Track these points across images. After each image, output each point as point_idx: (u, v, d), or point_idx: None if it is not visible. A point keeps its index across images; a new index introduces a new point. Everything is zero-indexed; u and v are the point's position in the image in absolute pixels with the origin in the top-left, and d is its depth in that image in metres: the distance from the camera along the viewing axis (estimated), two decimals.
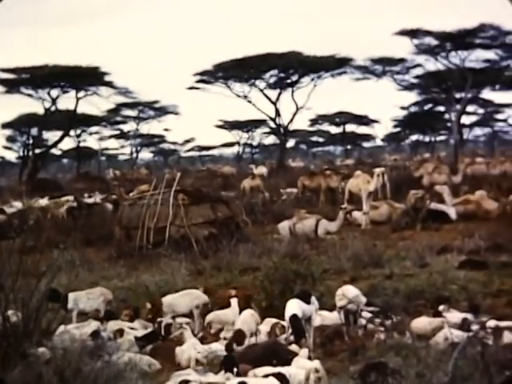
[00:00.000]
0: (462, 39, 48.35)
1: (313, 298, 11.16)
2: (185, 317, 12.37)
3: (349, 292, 11.49)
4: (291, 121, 54.38)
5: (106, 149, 76.58)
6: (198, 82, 54.91)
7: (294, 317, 10.45)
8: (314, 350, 10.32)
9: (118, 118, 68.34)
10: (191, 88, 55.57)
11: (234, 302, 12.04)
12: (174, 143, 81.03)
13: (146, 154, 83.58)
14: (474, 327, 10.03)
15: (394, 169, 37.97)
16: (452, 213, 23.63)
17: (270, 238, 20.71)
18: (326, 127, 78.13)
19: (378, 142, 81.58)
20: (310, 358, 9.24)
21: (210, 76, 54.39)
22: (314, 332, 11.03)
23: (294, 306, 10.63)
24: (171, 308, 12.15)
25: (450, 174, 31.88)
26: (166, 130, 72.89)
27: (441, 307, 11.66)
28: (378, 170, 25.70)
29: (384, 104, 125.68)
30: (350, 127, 75.63)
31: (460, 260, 16.20)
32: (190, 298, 12.33)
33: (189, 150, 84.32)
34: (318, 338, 11.10)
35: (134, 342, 11.00)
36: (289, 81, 54.30)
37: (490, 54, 50.55)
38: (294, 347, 9.99)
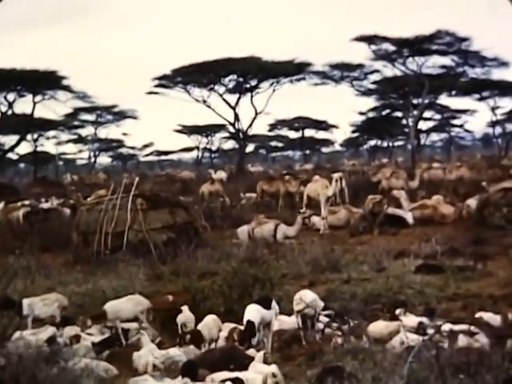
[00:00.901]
0: (418, 45, 48.95)
1: (273, 303, 11.19)
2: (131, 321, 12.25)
3: (306, 296, 11.53)
4: (250, 126, 54.55)
5: (64, 153, 76.12)
6: (156, 86, 54.82)
7: (248, 323, 10.49)
8: (271, 355, 10.32)
9: (76, 123, 67.94)
10: (150, 93, 55.46)
11: (185, 308, 12.05)
12: (132, 148, 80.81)
13: (104, 159, 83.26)
14: (430, 331, 10.11)
15: (352, 174, 38.26)
16: (409, 217, 23.85)
17: (229, 242, 20.73)
18: (284, 132, 78.59)
19: (337, 147, 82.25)
20: (267, 363, 9.24)
21: (168, 81, 54.30)
22: (272, 336, 11.06)
23: (251, 312, 10.66)
24: (115, 314, 12.01)
25: (408, 179, 32.22)
26: (124, 134, 72.66)
27: (397, 311, 11.74)
28: (336, 175, 25.84)
29: (342, 109, 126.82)
30: (309, 132, 76.15)
31: (417, 264, 16.34)
32: (134, 304, 12.21)
33: (147, 155, 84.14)
34: (276, 343, 11.13)
35: (90, 348, 10.91)
36: (248, 86, 54.42)
37: (447, 60, 51.37)
38: (251, 352, 9.99)
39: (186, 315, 11.91)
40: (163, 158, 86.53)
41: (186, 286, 13.84)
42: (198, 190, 32.54)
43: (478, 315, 11.51)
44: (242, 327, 10.88)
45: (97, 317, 12.13)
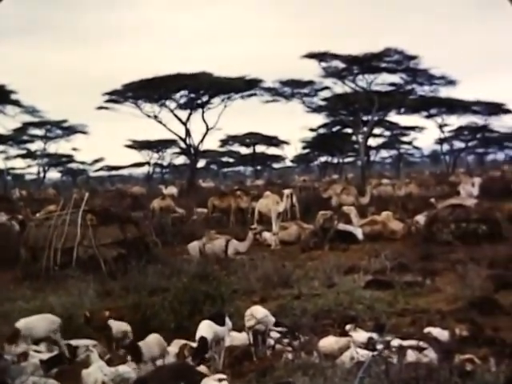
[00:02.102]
0: (368, 63, 49.51)
1: (227, 319, 11.20)
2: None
3: (257, 312, 11.55)
4: (201, 141, 54.49)
5: (13, 168, 74.92)
6: (107, 101, 54.45)
7: (201, 339, 10.47)
8: (222, 371, 10.31)
9: (25, 137, 67.14)
10: (100, 108, 55.05)
11: (111, 321, 12.11)
12: (82, 163, 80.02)
13: (53, 174, 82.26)
14: (379, 346, 10.20)
15: (303, 190, 38.41)
16: (359, 233, 24.06)
17: (180, 258, 20.63)
18: (236, 148, 78.63)
19: (288, 163, 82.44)
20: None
21: (119, 96, 53.97)
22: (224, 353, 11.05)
23: (205, 328, 10.66)
24: (29, 331, 11.81)
25: (358, 195, 32.48)
26: (74, 149, 71.93)
27: (347, 327, 11.81)
28: (287, 191, 25.97)
29: (293, 125, 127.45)
30: (260, 148, 76.27)
31: (366, 280, 16.47)
32: (47, 323, 12.07)
33: (98, 170, 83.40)
34: (227, 359, 11.11)
35: (38, 365, 10.76)
36: (199, 101, 54.39)
37: (396, 78, 51.99)
38: (202, 368, 9.96)
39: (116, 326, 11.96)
40: (114, 173, 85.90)
41: (136, 302, 13.75)
42: (149, 206, 32.39)
43: (426, 330, 11.65)
44: (192, 344, 10.85)
45: (11, 336, 11.82)
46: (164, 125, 53.77)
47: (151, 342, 11.14)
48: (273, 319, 11.82)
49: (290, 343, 11.38)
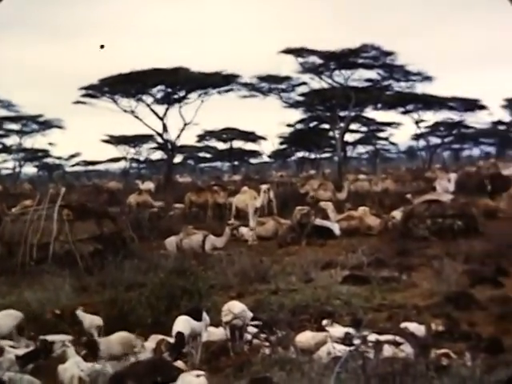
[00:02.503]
0: (345, 59, 49.59)
1: (204, 315, 11.19)
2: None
3: (235, 307, 11.55)
4: (178, 136, 54.27)
5: None
6: (83, 96, 54.10)
7: (178, 334, 10.46)
8: (199, 366, 10.30)
9: (1, 132, 66.58)
10: (77, 102, 54.71)
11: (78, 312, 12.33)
12: (58, 158, 79.42)
13: (29, 169, 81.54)
14: (356, 341, 10.23)
15: (280, 185, 38.43)
16: (336, 229, 24.12)
17: (157, 253, 20.57)
18: (213, 143, 78.38)
19: (265, 159, 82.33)
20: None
21: (96, 90, 53.63)
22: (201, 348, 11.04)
23: (182, 323, 10.64)
24: None
25: (335, 191, 32.55)
26: (50, 144, 71.41)
27: (324, 322, 11.85)
28: (264, 187, 26.01)
29: (270, 121, 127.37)
30: (237, 143, 76.12)
31: (343, 275, 16.53)
32: (11, 319, 12.04)
33: (74, 165, 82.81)
34: (204, 354, 11.10)
35: (14, 361, 10.69)
36: (176, 96, 54.17)
37: (372, 74, 52.11)
38: (179, 363, 9.94)
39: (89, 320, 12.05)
40: (90, 168, 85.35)
41: (113, 297, 13.70)
42: (126, 201, 32.28)
43: (402, 325, 11.71)
44: (169, 339, 10.83)
45: None
46: (141, 120, 53.54)
47: (114, 341, 11.11)
48: (250, 314, 11.82)
49: (267, 338, 11.40)
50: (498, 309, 12.97)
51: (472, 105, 62.34)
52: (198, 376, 8.83)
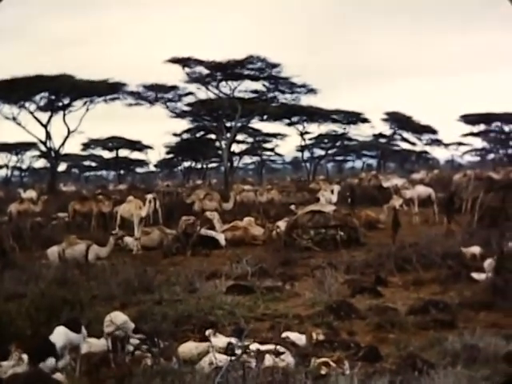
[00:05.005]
0: (231, 69, 50.06)
1: (82, 327, 11.02)
2: None
3: (117, 318, 11.44)
4: (63, 144, 53.51)
5: None
6: None
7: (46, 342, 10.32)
8: (79, 378, 10.15)
9: None
10: None
11: None
12: None
13: None
14: (238, 351, 10.30)
15: (166, 195, 38.22)
16: (221, 239, 24.23)
17: (38, 263, 20.12)
18: (98, 152, 77.46)
19: (151, 168, 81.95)
20: None
21: None
22: (81, 360, 10.87)
23: (56, 334, 10.47)
24: None
25: (221, 201, 32.68)
26: None
27: (207, 332, 11.87)
28: (150, 196, 25.87)
29: (157, 130, 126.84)
30: (123, 152, 75.53)
31: (228, 285, 16.60)
32: None
33: None
34: (85, 366, 10.92)
35: None
36: (60, 104, 53.36)
37: (258, 85, 52.82)
38: (58, 376, 9.77)
39: None
40: None
41: None
42: (6, 210, 31.50)
43: (284, 335, 11.86)
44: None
45: None
46: (23, 127, 52.45)
47: None
48: (132, 325, 11.71)
49: (149, 349, 11.32)
50: (377, 318, 13.29)
51: (355, 118, 63.97)
52: None
